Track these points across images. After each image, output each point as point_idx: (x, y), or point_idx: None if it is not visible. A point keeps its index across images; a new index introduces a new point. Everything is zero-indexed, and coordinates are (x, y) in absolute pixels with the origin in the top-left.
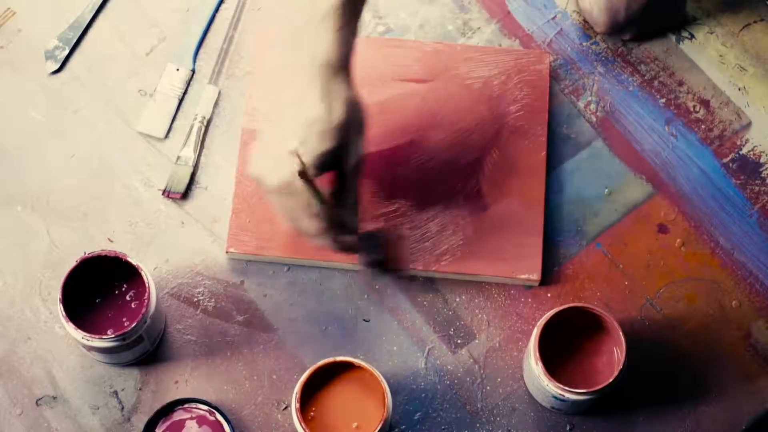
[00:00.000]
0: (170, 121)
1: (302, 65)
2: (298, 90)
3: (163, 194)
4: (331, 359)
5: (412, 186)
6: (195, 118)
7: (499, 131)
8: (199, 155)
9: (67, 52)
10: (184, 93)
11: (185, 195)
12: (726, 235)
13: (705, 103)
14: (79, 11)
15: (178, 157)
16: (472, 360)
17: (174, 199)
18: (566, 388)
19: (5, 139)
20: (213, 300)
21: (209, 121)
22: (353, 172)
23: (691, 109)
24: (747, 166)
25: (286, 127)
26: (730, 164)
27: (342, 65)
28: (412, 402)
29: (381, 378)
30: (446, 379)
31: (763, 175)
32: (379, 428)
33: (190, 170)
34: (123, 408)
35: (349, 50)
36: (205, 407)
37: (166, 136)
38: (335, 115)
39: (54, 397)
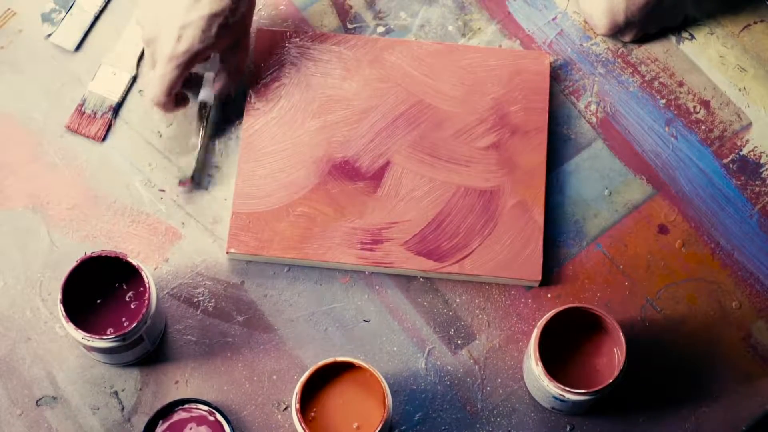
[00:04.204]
0: (83, 34)
1: None
2: None
3: (179, 185)
4: (331, 359)
5: (412, 185)
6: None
7: (499, 132)
8: (204, 144)
9: (64, 14)
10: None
11: (199, 184)
12: (726, 236)
13: (705, 104)
14: None
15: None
16: (472, 360)
17: (184, 188)
18: (566, 388)
19: (5, 139)
20: (213, 300)
21: (210, 108)
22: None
23: (692, 110)
24: (747, 167)
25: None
26: (731, 165)
27: None
28: (412, 402)
29: (381, 378)
30: (446, 380)
31: (763, 176)
32: (379, 429)
33: (196, 156)
34: (123, 408)
35: None
36: (206, 408)
37: (77, 48)
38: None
39: (54, 398)
